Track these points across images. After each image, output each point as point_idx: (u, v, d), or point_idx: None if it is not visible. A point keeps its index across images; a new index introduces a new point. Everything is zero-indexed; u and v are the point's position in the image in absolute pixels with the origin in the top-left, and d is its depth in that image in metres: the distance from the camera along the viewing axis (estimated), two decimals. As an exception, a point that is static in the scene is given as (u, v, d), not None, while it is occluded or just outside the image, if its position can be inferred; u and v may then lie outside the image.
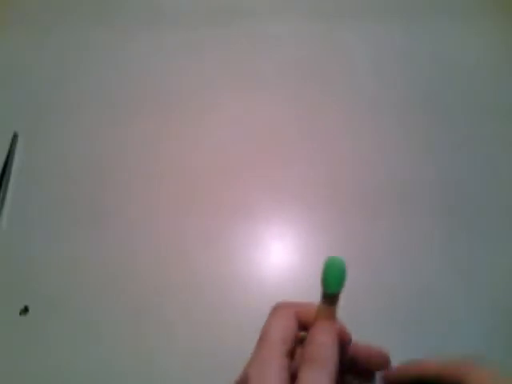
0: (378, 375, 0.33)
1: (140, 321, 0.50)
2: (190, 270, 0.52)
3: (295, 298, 0.51)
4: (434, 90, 0.65)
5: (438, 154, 0.60)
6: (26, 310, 0.50)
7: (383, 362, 0.33)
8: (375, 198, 0.57)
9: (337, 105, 0.63)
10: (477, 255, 0.53)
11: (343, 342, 0.31)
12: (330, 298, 0.29)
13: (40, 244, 0.54)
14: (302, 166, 0.59)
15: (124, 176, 0.58)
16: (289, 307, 0.31)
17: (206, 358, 0.47)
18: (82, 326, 0.50)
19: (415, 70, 0.66)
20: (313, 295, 0.53)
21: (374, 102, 0.63)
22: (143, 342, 0.49)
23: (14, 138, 0.60)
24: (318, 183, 0.57)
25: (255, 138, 0.61)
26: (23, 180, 0.58)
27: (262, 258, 0.54)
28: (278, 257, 0.54)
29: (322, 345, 0.28)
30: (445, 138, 0.61)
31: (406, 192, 0.57)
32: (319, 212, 0.56)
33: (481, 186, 0.58)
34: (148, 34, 0.68)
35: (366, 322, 0.49)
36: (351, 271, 0.51)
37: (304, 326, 0.31)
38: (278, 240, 0.55)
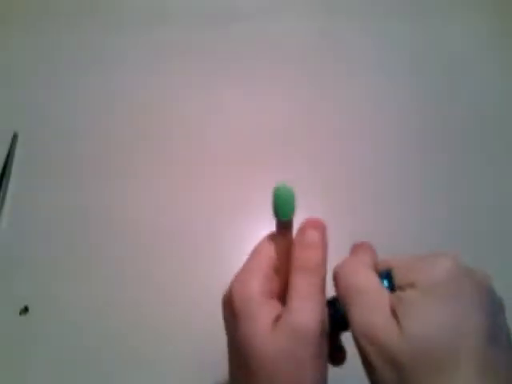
0: None
1: (140, 321, 0.50)
2: (190, 270, 0.52)
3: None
4: (434, 89, 0.65)
5: (438, 154, 0.60)
6: (26, 309, 0.50)
7: None
8: (375, 199, 0.57)
9: (337, 105, 0.63)
10: (477, 255, 0.53)
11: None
12: (285, 224, 0.29)
13: (40, 244, 0.54)
14: (302, 165, 0.59)
15: (124, 176, 0.58)
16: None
17: (207, 358, 0.47)
18: (82, 326, 0.50)
19: (415, 69, 0.66)
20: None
21: (373, 102, 0.63)
22: (143, 342, 0.49)
23: (14, 138, 0.60)
24: (318, 183, 0.57)
25: (255, 137, 0.61)
26: (23, 180, 0.58)
27: (262, 258, 0.53)
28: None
29: (312, 248, 0.29)
30: (445, 137, 0.61)
31: (407, 192, 0.57)
32: (319, 212, 0.55)
33: (481, 186, 0.58)
34: (148, 34, 0.68)
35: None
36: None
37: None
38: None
